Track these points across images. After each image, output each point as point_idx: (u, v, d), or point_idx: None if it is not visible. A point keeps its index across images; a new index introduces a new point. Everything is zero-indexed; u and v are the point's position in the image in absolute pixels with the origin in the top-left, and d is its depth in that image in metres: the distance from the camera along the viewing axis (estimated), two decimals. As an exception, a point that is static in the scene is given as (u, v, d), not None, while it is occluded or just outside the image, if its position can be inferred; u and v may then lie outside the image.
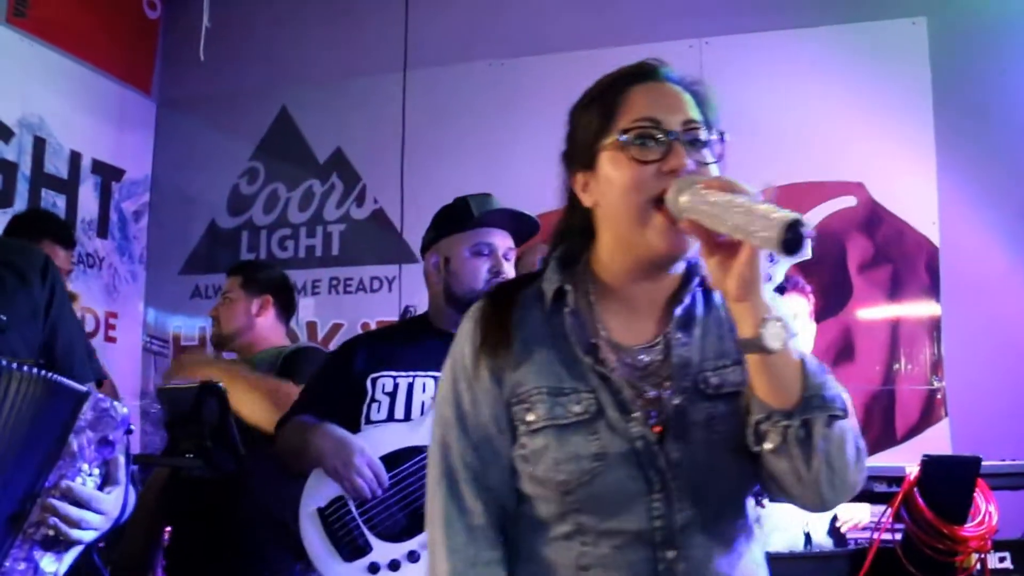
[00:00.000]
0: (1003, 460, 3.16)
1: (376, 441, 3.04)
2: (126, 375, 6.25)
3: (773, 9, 5.66)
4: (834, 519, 4.03)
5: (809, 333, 4.10)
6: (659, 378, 1.73)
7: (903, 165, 5.35)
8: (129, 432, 2.08)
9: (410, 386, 3.15)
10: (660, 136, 1.69)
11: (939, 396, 5.14)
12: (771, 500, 1.77)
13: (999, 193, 5.19)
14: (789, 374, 1.59)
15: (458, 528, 1.77)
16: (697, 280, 1.78)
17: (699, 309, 1.78)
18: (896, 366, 5.24)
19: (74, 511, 1.96)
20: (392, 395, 3.14)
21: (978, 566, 2.96)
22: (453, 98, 6.11)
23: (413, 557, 2.95)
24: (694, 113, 1.74)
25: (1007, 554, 3.08)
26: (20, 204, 5.67)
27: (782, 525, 3.87)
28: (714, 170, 1.72)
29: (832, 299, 5.25)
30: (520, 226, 3.25)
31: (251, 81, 6.65)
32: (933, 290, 5.24)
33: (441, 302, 3.26)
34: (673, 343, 1.74)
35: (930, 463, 2.99)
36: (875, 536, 2.99)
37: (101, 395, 2.05)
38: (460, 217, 3.22)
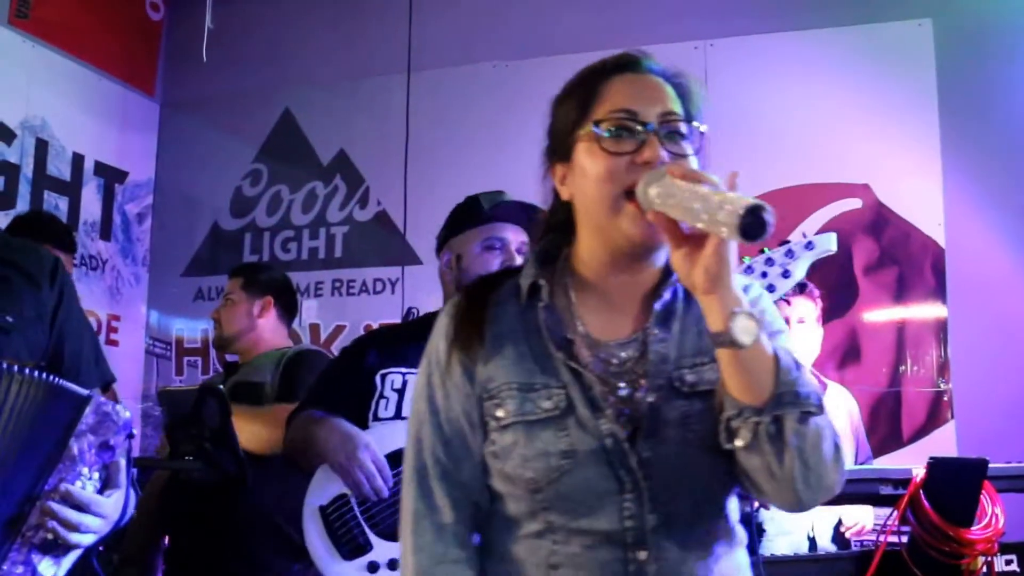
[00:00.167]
0: (1009, 462, 3.14)
1: (383, 438, 3.02)
2: (128, 378, 6.24)
3: (778, 11, 5.66)
4: (839, 523, 4.01)
5: (817, 337, 4.08)
6: (635, 375, 1.70)
7: (908, 167, 5.34)
8: (131, 436, 2.07)
9: None
10: (635, 127, 1.67)
11: (945, 398, 5.12)
12: (751, 500, 1.77)
13: (1005, 194, 5.18)
14: (761, 370, 1.57)
15: (426, 525, 1.75)
16: (677, 275, 1.72)
17: (679, 305, 1.75)
18: (902, 368, 5.23)
19: (73, 515, 1.95)
20: (401, 392, 3.12)
21: (984, 569, 2.94)
22: (457, 100, 6.10)
23: None
24: (674, 105, 1.72)
25: (1014, 557, 3.06)
26: (22, 206, 5.66)
27: (785, 529, 3.86)
28: (692, 163, 1.69)
29: (838, 301, 5.23)
30: (533, 219, 3.21)
31: (254, 83, 6.64)
32: (939, 292, 5.23)
33: None
34: (650, 339, 1.71)
35: (936, 465, 2.98)
36: (881, 539, 2.97)
37: (103, 399, 2.04)
38: (471, 213, 3.21)
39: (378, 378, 3.14)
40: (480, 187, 3.32)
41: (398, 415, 3.09)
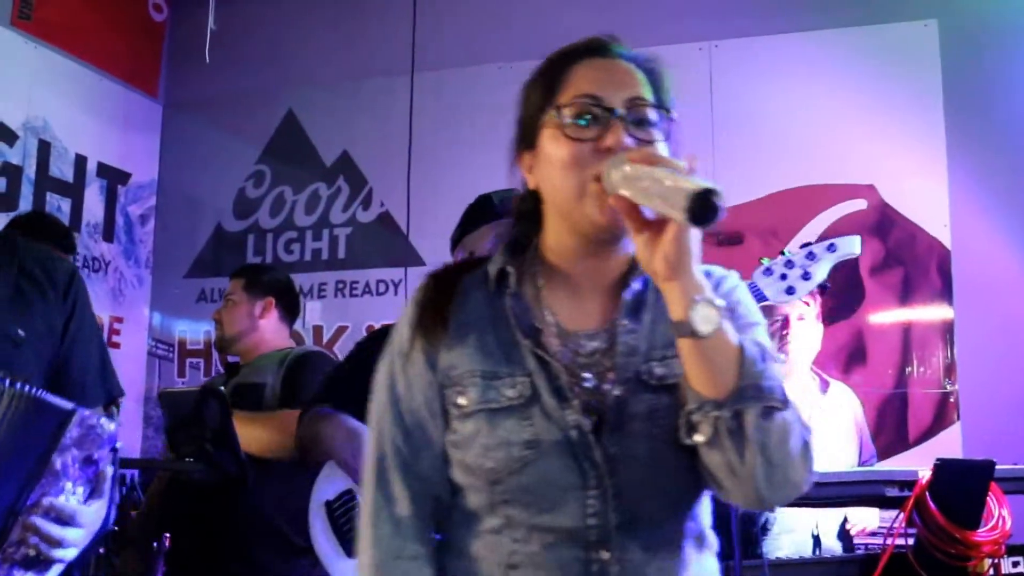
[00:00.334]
0: (1016, 464, 3.13)
1: None
2: (130, 380, 6.22)
3: (783, 12, 5.65)
4: (844, 521, 4.00)
5: (817, 334, 4.06)
6: (602, 366, 1.65)
7: (914, 168, 5.32)
8: (115, 450, 2.05)
9: None
10: (599, 113, 1.63)
11: (952, 399, 5.10)
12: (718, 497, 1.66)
13: (1011, 195, 5.17)
14: (723, 361, 1.50)
15: (384, 518, 1.70)
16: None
17: (651, 294, 1.69)
18: (908, 369, 5.21)
19: (56, 530, 1.93)
20: None
21: (991, 571, 2.93)
22: (461, 101, 6.09)
23: None
24: (643, 91, 1.67)
25: (1021, 559, 3.05)
26: (25, 208, 5.64)
27: (789, 527, 3.84)
28: (660, 149, 1.63)
29: (844, 302, 5.22)
30: None
31: (257, 84, 6.64)
32: (945, 293, 5.21)
33: None
34: (619, 330, 1.67)
35: (942, 467, 2.97)
36: (888, 541, 2.96)
37: (88, 412, 2.02)
38: (483, 211, 3.20)
39: None
40: (483, 188, 3.31)
41: None
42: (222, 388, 4.05)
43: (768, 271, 3.11)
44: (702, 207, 1.36)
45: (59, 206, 5.98)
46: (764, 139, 5.52)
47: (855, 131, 5.40)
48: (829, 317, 4.23)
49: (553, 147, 1.65)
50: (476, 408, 1.63)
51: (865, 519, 3.99)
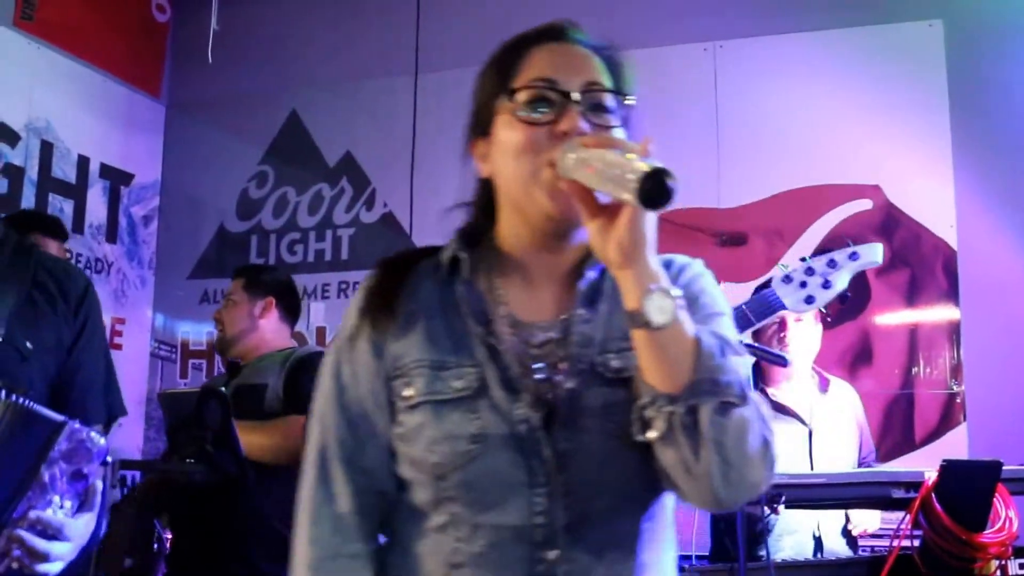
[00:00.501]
0: (1023, 465, 3.10)
1: None
2: (133, 381, 6.23)
3: (787, 12, 5.64)
4: (846, 522, 3.99)
5: (816, 334, 4.05)
6: (556, 357, 1.58)
7: (919, 168, 5.31)
8: (105, 464, 2.04)
9: None
10: (553, 97, 1.57)
11: (958, 400, 5.09)
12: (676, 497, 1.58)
13: (1017, 195, 5.16)
14: (678, 354, 1.43)
15: (324, 514, 1.63)
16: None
17: (608, 284, 1.60)
18: (915, 370, 5.19)
19: (41, 544, 1.92)
20: None
21: (998, 573, 2.91)
22: (464, 102, 6.04)
23: None
24: (600, 76, 1.62)
25: (1028, 561, 3.03)
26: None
27: (791, 529, 3.83)
28: (617, 135, 1.56)
29: (850, 303, 5.20)
30: None
31: (261, 84, 6.65)
32: (951, 294, 5.20)
33: None
34: (574, 320, 1.60)
35: (949, 468, 2.96)
36: (894, 543, 2.94)
37: (79, 425, 2.00)
38: None
39: None
40: (486, 188, 3.29)
41: None
42: (223, 389, 4.04)
43: (787, 278, 3.07)
44: (654, 188, 1.30)
45: (61, 207, 5.98)
46: (769, 139, 5.52)
47: (860, 131, 5.39)
48: (835, 318, 4.21)
49: (507, 133, 1.60)
50: (422, 399, 1.57)
51: (866, 520, 3.97)
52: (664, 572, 1.63)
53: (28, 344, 2.13)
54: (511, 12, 6.05)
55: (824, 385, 4.08)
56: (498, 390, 1.54)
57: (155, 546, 4.23)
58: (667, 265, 1.61)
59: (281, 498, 3.74)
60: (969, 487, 2.93)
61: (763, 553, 3.44)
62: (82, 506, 2.03)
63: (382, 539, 1.68)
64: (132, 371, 6.32)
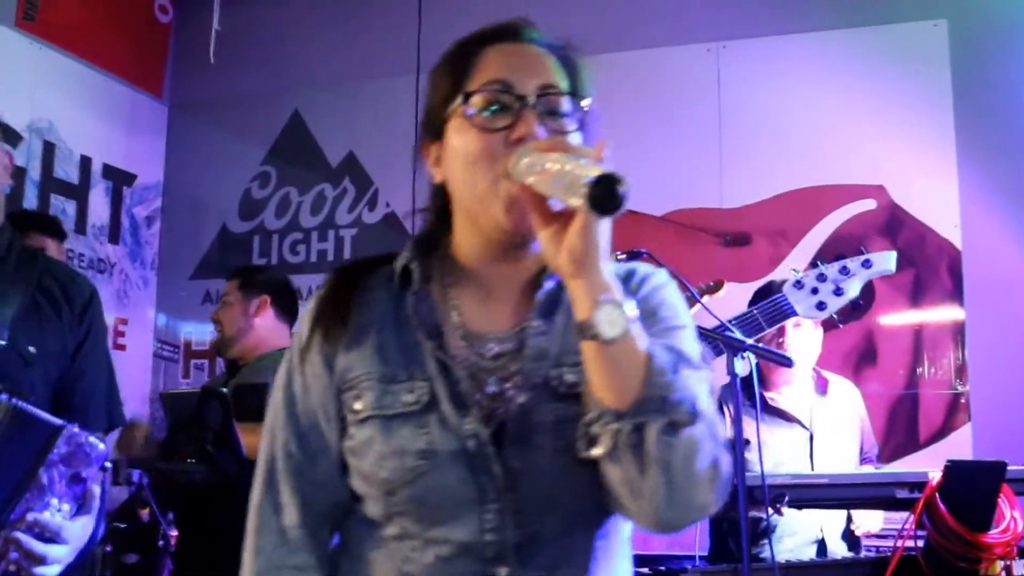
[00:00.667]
0: (1027, 466, 3.10)
1: None
2: (135, 381, 6.23)
3: (791, 12, 5.65)
4: (848, 523, 3.98)
5: (816, 339, 4.05)
6: (509, 371, 1.52)
7: (924, 168, 5.31)
8: (104, 469, 2.03)
9: None
10: (509, 101, 1.51)
11: (963, 401, 5.08)
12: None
13: (1021, 195, 5.16)
14: (628, 369, 1.37)
15: (271, 526, 1.58)
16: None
17: (567, 294, 1.47)
18: (919, 370, 5.19)
19: (38, 546, 1.92)
20: None
21: (1003, 574, 2.90)
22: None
23: None
24: (556, 78, 1.56)
25: (1033, 561, 3.03)
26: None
27: (793, 530, 3.83)
28: (574, 140, 1.51)
29: (854, 304, 5.20)
30: None
31: (263, 85, 6.66)
32: (956, 294, 5.19)
33: None
34: (529, 332, 1.54)
35: (953, 469, 2.95)
36: (898, 544, 2.94)
37: (78, 429, 2.00)
38: None
39: None
40: (487, 188, 3.29)
41: None
42: (223, 389, 4.04)
43: (799, 284, 3.05)
44: (603, 194, 1.25)
45: (64, 208, 5.98)
46: (772, 139, 5.52)
47: (864, 131, 5.39)
48: (839, 319, 4.20)
49: (460, 139, 1.53)
50: (371, 413, 1.51)
51: (869, 521, 3.97)
52: None
53: (31, 349, 2.14)
54: (511, 12, 6.06)
55: (823, 386, 4.07)
56: (447, 405, 1.49)
57: (160, 543, 4.25)
58: (629, 275, 1.59)
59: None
60: (973, 487, 2.93)
61: (764, 554, 3.43)
62: (80, 509, 2.02)
63: (337, 539, 1.65)
64: (135, 371, 6.33)
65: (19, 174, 5.65)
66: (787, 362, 3.00)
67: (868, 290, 5.21)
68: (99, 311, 2.34)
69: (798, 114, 5.51)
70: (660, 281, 1.62)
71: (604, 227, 1.34)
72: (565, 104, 1.55)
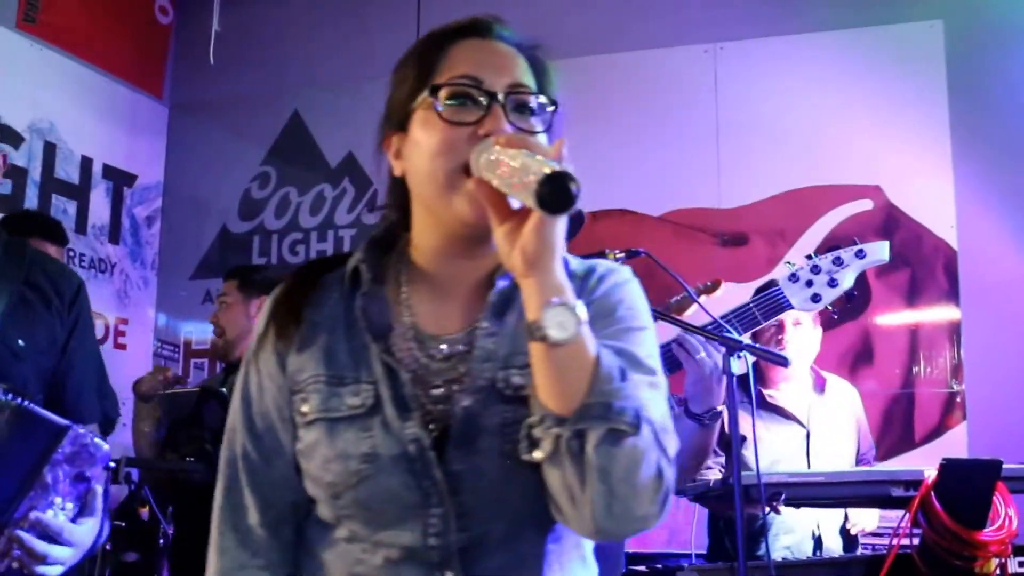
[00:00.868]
0: (1023, 463, 3.11)
1: None
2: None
3: (788, 14, 5.66)
4: (845, 521, 3.99)
5: (815, 338, 4.06)
6: (457, 373, 1.50)
7: (920, 168, 5.33)
8: (108, 468, 2.04)
9: None
10: (478, 96, 1.49)
11: (958, 399, 5.10)
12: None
13: (1017, 195, 5.18)
14: (575, 373, 1.34)
15: (233, 525, 1.58)
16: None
17: (520, 294, 1.45)
18: (915, 369, 5.21)
19: (40, 545, 1.92)
20: None
21: (998, 571, 2.92)
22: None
23: None
24: (524, 77, 1.54)
25: (1028, 559, 3.04)
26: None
27: (790, 528, 3.84)
28: (540, 140, 1.48)
29: (849, 295, 5.22)
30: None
31: (263, 85, 6.66)
32: (952, 294, 5.21)
33: None
34: (478, 333, 1.52)
35: (948, 467, 2.96)
36: (894, 542, 2.95)
37: (82, 430, 2.01)
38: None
39: None
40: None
41: None
42: (222, 388, 4.05)
43: (794, 277, 3.06)
44: (553, 192, 1.23)
45: (65, 208, 5.99)
46: (769, 140, 5.53)
47: (860, 132, 5.40)
48: (834, 311, 4.21)
49: (424, 132, 1.51)
50: (316, 416, 1.50)
51: (865, 520, 3.98)
52: None
53: (21, 343, 2.14)
54: (511, 13, 6.07)
55: (821, 385, 4.08)
56: (391, 408, 1.47)
57: (160, 542, 4.25)
58: (588, 272, 1.58)
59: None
60: (969, 485, 2.94)
61: (761, 552, 3.44)
62: (83, 509, 2.03)
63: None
64: (135, 371, 6.28)
65: (20, 174, 5.67)
66: (783, 362, 3.01)
67: (864, 288, 5.24)
68: (87, 304, 2.34)
69: (795, 114, 5.53)
70: (620, 279, 1.59)
71: (558, 227, 1.32)
72: (533, 103, 1.53)
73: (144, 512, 4.36)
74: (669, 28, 5.84)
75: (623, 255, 3.12)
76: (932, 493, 2.92)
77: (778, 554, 3.69)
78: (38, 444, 1.95)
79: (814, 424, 3.97)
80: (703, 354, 2.90)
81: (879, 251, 3.14)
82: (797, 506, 3.26)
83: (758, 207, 5.54)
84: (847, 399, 4.17)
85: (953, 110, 5.31)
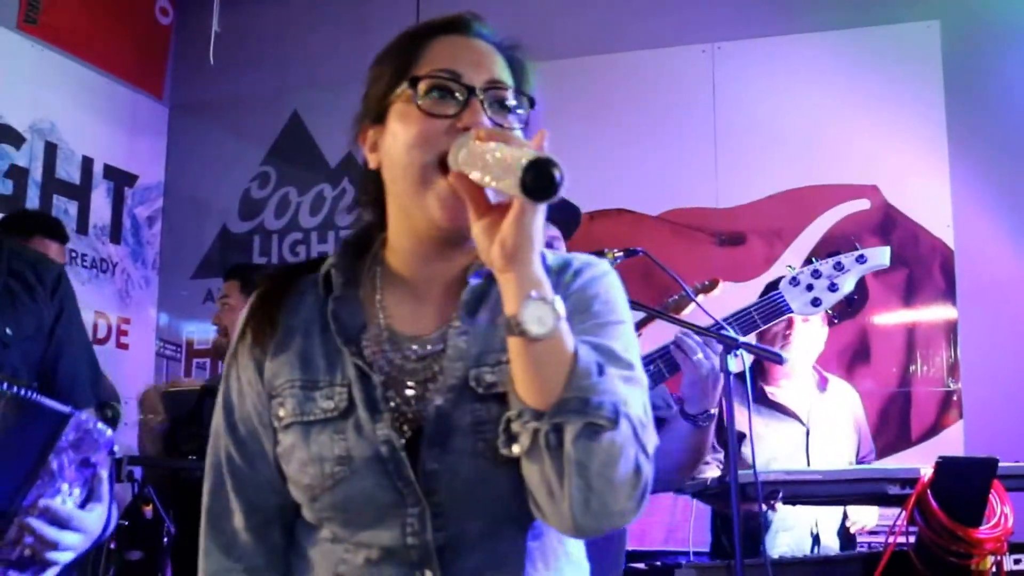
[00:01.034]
0: (1018, 461, 3.13)
1: None
2: (137, 380, 6.22)
3: (786, 13, 5.67)
4: (844, 519, 4.01)
5: (821, 336, 4.07)
6: (431, 372, 1.51)
7: (917, 168, 5.35)
8: (112, 454, 2.06)
9: None
10: (457, 90, 1.49)
11: (955, 398, 5.12)
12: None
13: (1013, 195, 5.20)
14: (552, 367, 1.34)
15: (218, 529, 1.60)
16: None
17: (495, 290, 1.48)
18: (912, 368, 5.23)
19: (51, 532, 1.93)
20: None
21: (994, 569, 2.93)
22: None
23: None
24: (503, 75, 1.54)
25: (1023, 556, 3.05)
26: (31, 211, 5.66)
27: (788, 526, 3.85)
28: (519, 136, 1.47)
29: (849, 299, 5.24)
30: (561, 214, 2.97)
31: (263, 86, 6.67)
32: (949, 293, 5.23)
33: None
34: (451, 331, 1.51)
35: (944, 465, 2.97)
36: (889, 539, 2.96)
37: (85, 416, 2.02)
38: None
39: None
40: (486, 188, 3.31)
41: None
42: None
43: (794, 281, 3.07)
44: (538, 177, 1.22)
45: (66, 208, 6.00)
46: (767, 140, 5.55)
47: (858, 132, 5.42)
48: (834, 315, 4.23)
49: (402, 124, 1.51)
50: (292, 420, 1.51)
51: (864, 518, 3.99)
52: None
53: (8, 331, 2.14)
54: (510, 14, 6.09)
55: (823, 384, 4.09)
56: (363, 411, 1.47)
57: (164, 540, 4.27)
58: (564, 266, 1.57)
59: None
60: (965, 483, 2.94)
61: (761, 550, 3.45)
62: (91, 495, 2.05)
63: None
64: (137, 371, 6.34)
65: (21, 175, 5.69)
66: (778, 359, 3.02)
67: (863, 287, 5.26)
68: (70, 291, 2.34)
69: (793, 114, 5.55)
70: (596, 273, 1.58)
71: (538, 220, 1.32)
72: (511, 100, 1.53)
73: (148, 511, 4.38)
74: (667, 28, 5.85)
75: (621, 254, 3.13)
76: (928, 491, 2.92)
77: (776, 552, 3.70)
78: (42, 432, 1.96)
79: (814, 423, 3.98)
80: (700, 355, 2.92)
81: (880, 256, 3.15)
82: (794, 504, 3.27)
83: (756, 207, 5.56)
84: (848, 400, 4.18)
85: (950, 110, 5.33)
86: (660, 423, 2.88)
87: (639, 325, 3.83)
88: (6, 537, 1.90)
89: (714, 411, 2.99)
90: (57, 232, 4.48)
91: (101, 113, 6.31)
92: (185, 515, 4.13)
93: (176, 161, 6.87)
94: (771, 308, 3.10)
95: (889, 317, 5.33)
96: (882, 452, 4.89)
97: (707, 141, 5.62)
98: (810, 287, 3.07)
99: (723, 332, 2.93)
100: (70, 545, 1.97)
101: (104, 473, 2.06)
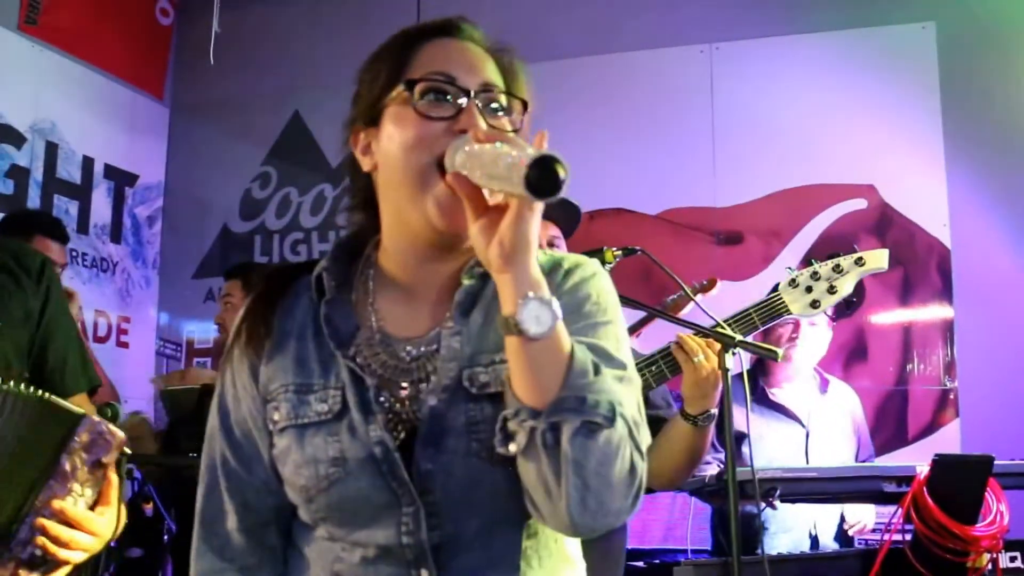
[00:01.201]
0: (1015, 459, 3.15)
1: None
2: (138, 380, 6.24)
3: (783, 14, 5.68)
4: (842, 521, 4.03)
5: (825, 339, 4.09)
6: (424, 373, 1.51)
7: (913, 168, 5.36)
8: (124, 455, 2.07)
9: None
10: (452, 93, 1.49)
11: (951, 396, 5.14)
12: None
13: (1009, 195, 5.21)
14: (549, 367, 1.35)
15: (214, 530, 1.60)
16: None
17: (488, 291, 1.51)
18: (909, 367, 5.25)
19: (63, 532, 1.93)
20: None
21: (990, 566, 2.95)
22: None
23: None
24: (495, 78, 1.54)
25: (1019, 554, 3.08)
26: (32, 209, 5.67)
27: (787, 527, 3.87)
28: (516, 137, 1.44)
29: (847, 301, 5.26)
30: (562, 213, 3.04)
31: (264, 86, 6.68)
32: (945, 292, 5.25)
33: None
34: (444, 332, 1.51)
35: (941, 463, 2.99)
36: (886, 537, 2.98)
37: (98, 418, 2.04)
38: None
39: None
40: (486, 187, 3.32)
41: None
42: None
43: (793, 283, 3.09)
44: (542, 173, 1.22)
45: (67, 208, 6.01)
46: (764, 140, 5.56)
47: (854, 132, 5.44)
48: (832, 316, 4.25)
49: (398, 126, 1.50)
50: (287, 423, 1.52)
51: (863, 518, 4.01)
52: None
53: None
54: (510, 15, 6.11)
55: (824, 386, 4.11)
56: (356, 413, 1.48)
57: (164, 538, 4.29)
58: (554, 267, 1.56)
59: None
60: (961, 481, 2.97)
61: (759, 551, 3.47)
62: (101, 498, 2.06)
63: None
64: (138, 370, 6.35)
65: (22, 174, 5.70)
66: (773, 355, 3.04)
67: (861, 288, 5.27)
68: (55, 279, 2.33)
69: (790, 114, 5.56)
70: (589, 272, 1.58)
71: (536, 221, 1.32)
72: (504, 103, 1.54)
73: (148, 508, 4.40)
74: (665, 28, 5.87)
75: (620, 253, 3.15)
76: (925, 489, 2.94)
77: (777, 551, 3.72)
78: (55, 433, 1.95)
79: (814, 424, 4.00)
80: (700, 357, 2.94)
81: (878, 259, 3.16)
82: (792, 502, 3.28)
83: (753, 206, 5.57)
84: (848, 403, 4.20)
85: (945, 110, 5.34)
86: (660, 422, 2.90)
87: (639, 324, 3.86)
88: (18, 537, 1.91)
89: (714, 411, 3.02)
90: (58, 232, 4.49)
91: (102, 113, 6.32)
92: (185, 513, 4.14)
93: (176, 161, 6.88)
94: (770, 310, 3.12)
95: (886, 316, 5.34)
96: (879, 450, 4.91)
97: (705, 141, 5.64)
98: (809, 289, 3.08)
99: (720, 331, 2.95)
100: (82, 545, 1.98)
101: (115, 478, 2.07)
